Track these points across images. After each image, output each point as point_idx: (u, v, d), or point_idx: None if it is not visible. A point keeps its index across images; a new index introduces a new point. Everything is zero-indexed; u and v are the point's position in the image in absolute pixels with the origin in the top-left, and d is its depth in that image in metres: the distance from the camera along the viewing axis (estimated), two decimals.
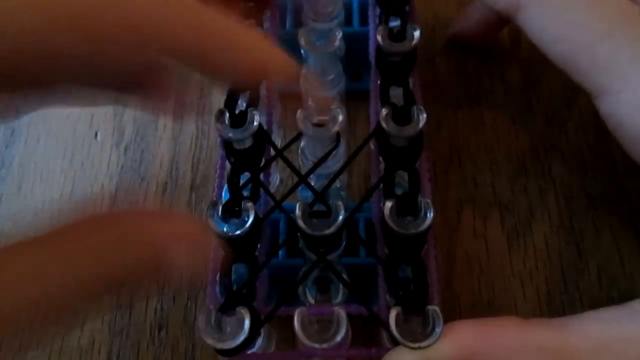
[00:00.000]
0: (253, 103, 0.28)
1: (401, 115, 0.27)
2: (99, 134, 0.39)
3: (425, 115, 0.27)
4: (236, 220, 0.26)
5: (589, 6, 0.29)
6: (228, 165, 0.29)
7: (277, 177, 0.34)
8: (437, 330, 0.23)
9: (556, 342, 0.25)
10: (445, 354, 0.24)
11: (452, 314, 0.32)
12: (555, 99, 0.38)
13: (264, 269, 0.26)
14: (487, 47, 0.40)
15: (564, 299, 0.33)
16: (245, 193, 0.27)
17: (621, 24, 0.29)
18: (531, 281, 0.33)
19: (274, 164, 0.30)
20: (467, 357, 0.24)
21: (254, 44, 0.24)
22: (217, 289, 0.26)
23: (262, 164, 0.28)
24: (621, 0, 0.29)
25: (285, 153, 0.28)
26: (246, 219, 0.25)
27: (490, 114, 0.38)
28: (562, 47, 0.30)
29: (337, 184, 0.31)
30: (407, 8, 0.32)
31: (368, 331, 0.31)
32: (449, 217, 0.35)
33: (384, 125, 0.27)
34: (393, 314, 0.24)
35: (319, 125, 0.27)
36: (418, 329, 0.24)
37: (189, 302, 0.33)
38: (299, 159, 0.30)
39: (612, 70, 0.29)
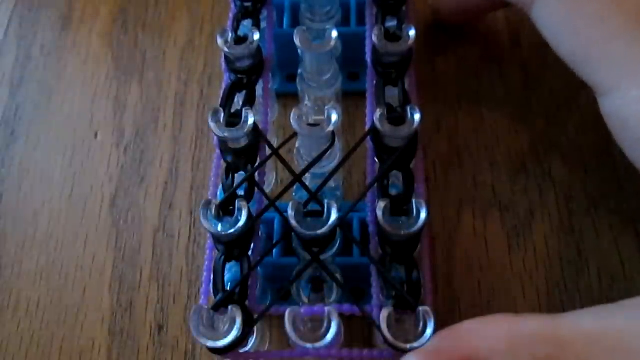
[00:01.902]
0: (249, 102, 0.28)
1: (395, 116, 0.27)
2: (99, 134, 0.39)
3: (419, 115, 0.26)
4: (230, 219, 0.26)
5: (607, 0, 0.29)
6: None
7: (273, 177, 0.34)
8: (429, 330, 0.23)
9: (550, 333, 0.25)
10: (449, 354, 0.24)
11: (452, 314, 0.32)
12: (555, 99, 0.38)
13: (257, 268, 0.26)
14: (486, 47, 0.40)
15: (564, 299, 0.32)
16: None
17: (637, 21, 0.28)
18: (531, 281, 0.33)
19: (271, 163, 0.30)
20: (468, 355, 0.25)
21: None
22: (211, 287, 0.26)
23: (257, 163, 0.28)
24: None
25: (282, 152, 0.28)
26: (239, 217, 0.25)
27: (490, 114, 0.38)
28: (575, 41, 0.29)
29: (332, 183, 0.31)
30: (404, 8, 0.32)
31: (368, 332, 0.31)
32: (449, 217, 0.35)
33: (378, 125, 0.27)
34: (384, 314, 0.24)
35: (313, 124, 0.27)
36: (410, 329, 0.24)
37: (189, 302, 0.33)
38: (295, 158, 0.30)
39: (624, 66, 0.28)
